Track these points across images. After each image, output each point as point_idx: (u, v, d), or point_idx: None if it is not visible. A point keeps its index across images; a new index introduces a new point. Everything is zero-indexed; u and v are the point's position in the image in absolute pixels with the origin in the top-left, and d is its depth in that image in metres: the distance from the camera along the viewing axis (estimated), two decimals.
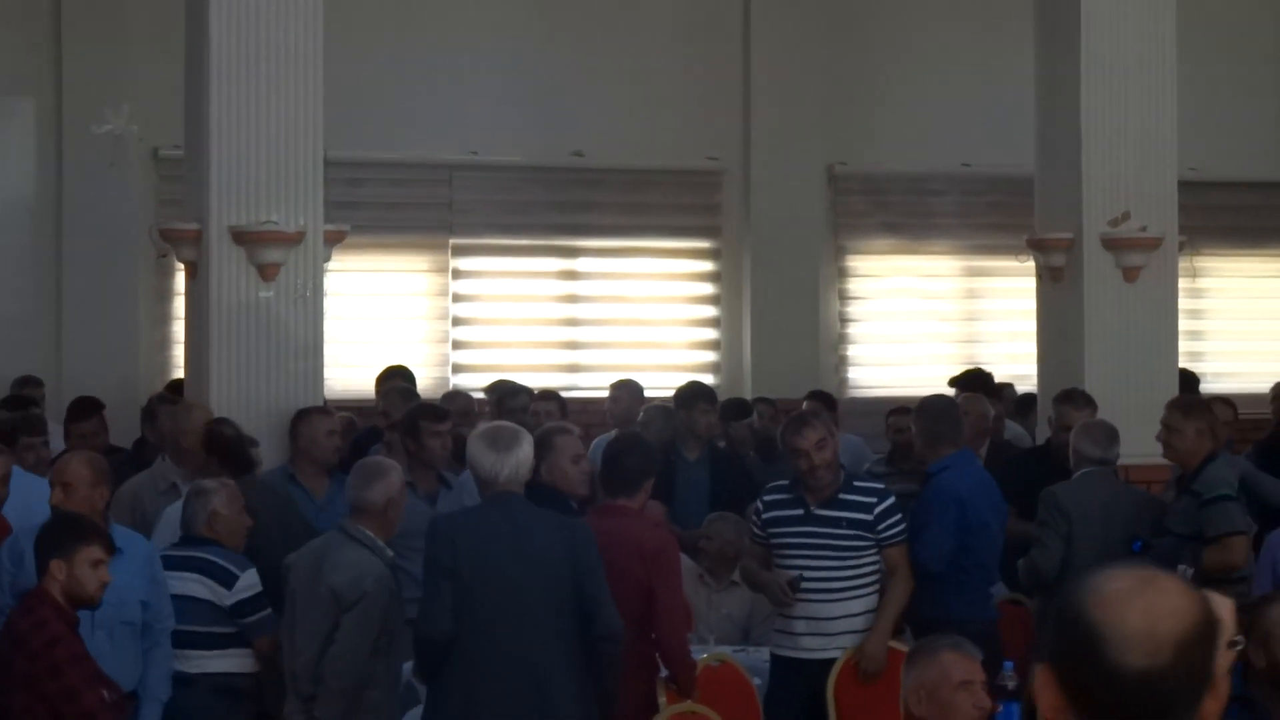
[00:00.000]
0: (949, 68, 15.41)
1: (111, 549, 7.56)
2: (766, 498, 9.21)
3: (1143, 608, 2.87)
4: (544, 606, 7.48)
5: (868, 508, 8.91)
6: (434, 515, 8.84)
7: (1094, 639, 2.86)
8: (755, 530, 9.29)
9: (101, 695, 7.25)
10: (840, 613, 8.80)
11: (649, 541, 8.14)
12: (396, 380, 12.40)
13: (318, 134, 10.26)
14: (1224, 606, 3.51)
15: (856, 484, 9.17)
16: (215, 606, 8.47)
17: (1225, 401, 12.53)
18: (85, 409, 11.71)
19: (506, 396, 12.16)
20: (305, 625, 7.97)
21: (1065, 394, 11.13)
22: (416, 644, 7.76)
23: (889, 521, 8.93)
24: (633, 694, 7.84)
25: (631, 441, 9.23)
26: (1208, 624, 2.92)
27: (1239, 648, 3.65)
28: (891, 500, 9.04)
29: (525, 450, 7.78)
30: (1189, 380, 13.09)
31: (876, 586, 8.95)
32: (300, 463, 9.91)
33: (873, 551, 8.93)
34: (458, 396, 12.65)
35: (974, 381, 13.21)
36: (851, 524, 8.85)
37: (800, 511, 8.93)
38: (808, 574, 8.84)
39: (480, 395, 12.67)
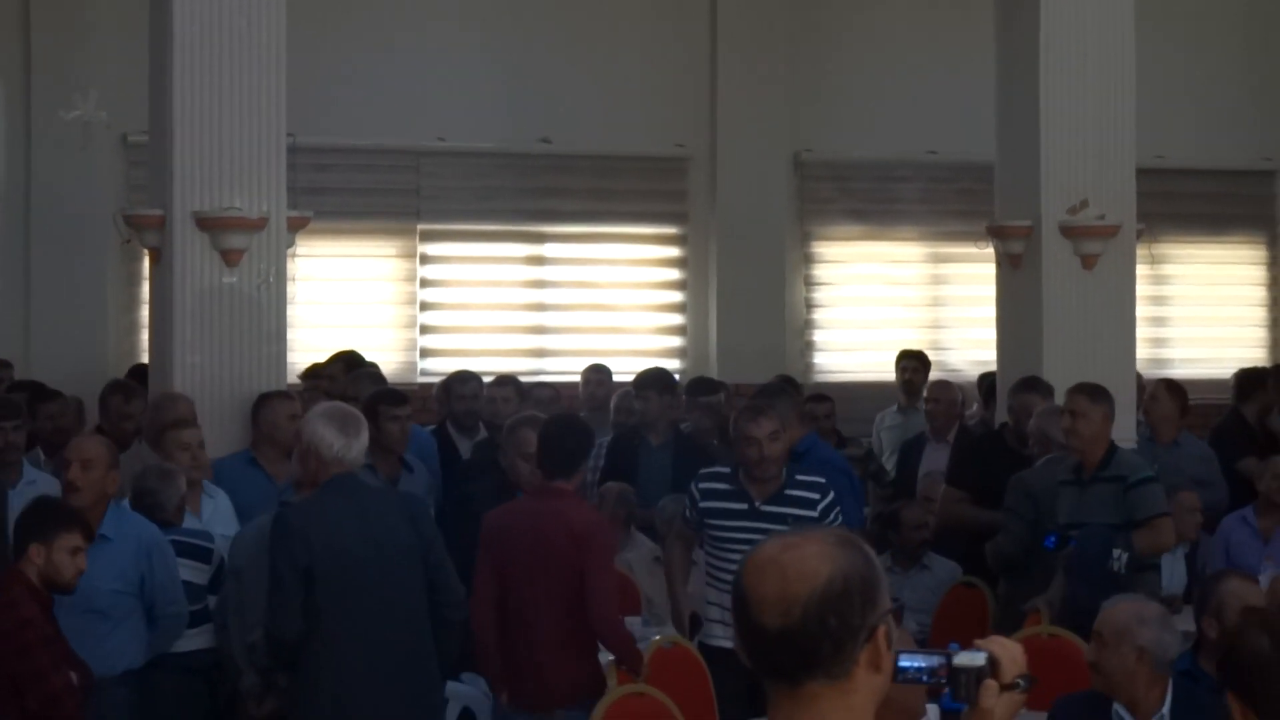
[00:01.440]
0: (914, 56, 15.44)
1: (91, 537, 7.58)
2: (703, 485, 9.16)
3: (777, 572, 3.14)
4: (398, 588, 7.51)
5: (812, 504, 8.88)
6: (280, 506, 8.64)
7: (742, 604, 3.16)
8: (687, 513, 9.26)
9: (69, 678, 7.27)
10: None
11: (579, 523, 8.11)
12: (339, 365, 12.41)
13: (281, 120, 10.27)
14: (1012, 650, 3.57)
15: (799, 478, 9.07)
16: (198, 586, 8.53)
17: (1175, 387, 12.61)
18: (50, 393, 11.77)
19: (456, 383, 12.15)
20: (255, 600, 7.84)
21: (1026, 382, 11.17)
22: (267, 641, 7.67)
23: (832, 516, 8.88)
24: (568, 672, 7.91)
25: (569, 422, 9.11)
26: (839, 584, 3.13)
27: (1020, 689, 3.61)
28: (834, 495, 8.98)
29: (366, 435, 7.81)
30: None
31: None
32: (262, 446, 9.94)
33: None
34: (540, 388, 12.93)
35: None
36: (797, 520, 8.72)
37: (744, 506, 8.92)
38: None
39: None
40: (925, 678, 3.61)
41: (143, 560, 8.23)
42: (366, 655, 7.43)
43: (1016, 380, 11.28)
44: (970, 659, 3.52)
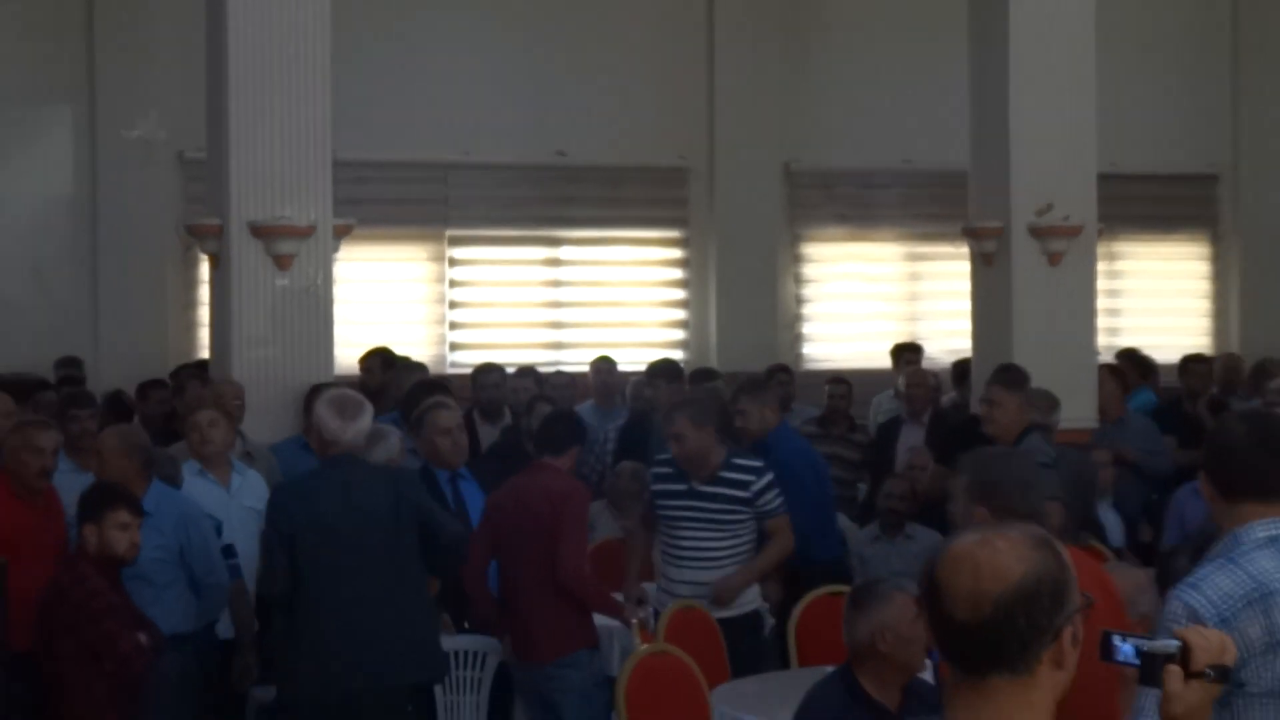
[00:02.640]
0: (892, 74, 15.41)
1: (140, 513, 7.59)
2: (655, 469, 9.18)
3: (971, 568, 2.96)
4: (377, 553, 7.52)
5: (745, 485, 8.79)
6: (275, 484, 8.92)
7: (934, 594, 2.99)
8: (644, 494, 9.36)
9: (138, 639, 7.28)
10: (719, 578, 8.76)
11: (556, 490, 8.21)
12: (376, 360, 12.58)
13: (326, 138, 10.25)
14: (1211, 640, 3.43)
15: (737, 461, 8.92)
16: None
17: (1116, 370, 12.61)
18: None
19: (480, 374, 12.17)
20: None
21: (1003, 368, 11.04)
22: (257, 602, 7.96)
23: (767, 497, 8.81)
24: (550, 625, 7.94)
25: (564, 414, 9.34)
26: (1032, 585, 2.95)
27: (1209, 678, 3.41)
28: (769, 478, 8.86)
29: (366, 420, 7.83)
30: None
31: (753, 554, 8.93)
32: (312, 433, 9.92)
33: (750, 524, 8.84)
34: (558, 376, 13.01)
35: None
36: (730, 499, 8.75)
37: (683, 487, 8.85)
38: (691, 543, 8.79)
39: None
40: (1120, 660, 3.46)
41: (181, 531, 8.22)
42: (346, 614, 7.48)
43: (995, 368, 11.23)
44: (1164, 645, 3.37)
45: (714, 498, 8.76)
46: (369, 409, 8.03)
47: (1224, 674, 3.37)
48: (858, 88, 15.50)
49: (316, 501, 7.67)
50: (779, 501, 8.81)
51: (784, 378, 12.97)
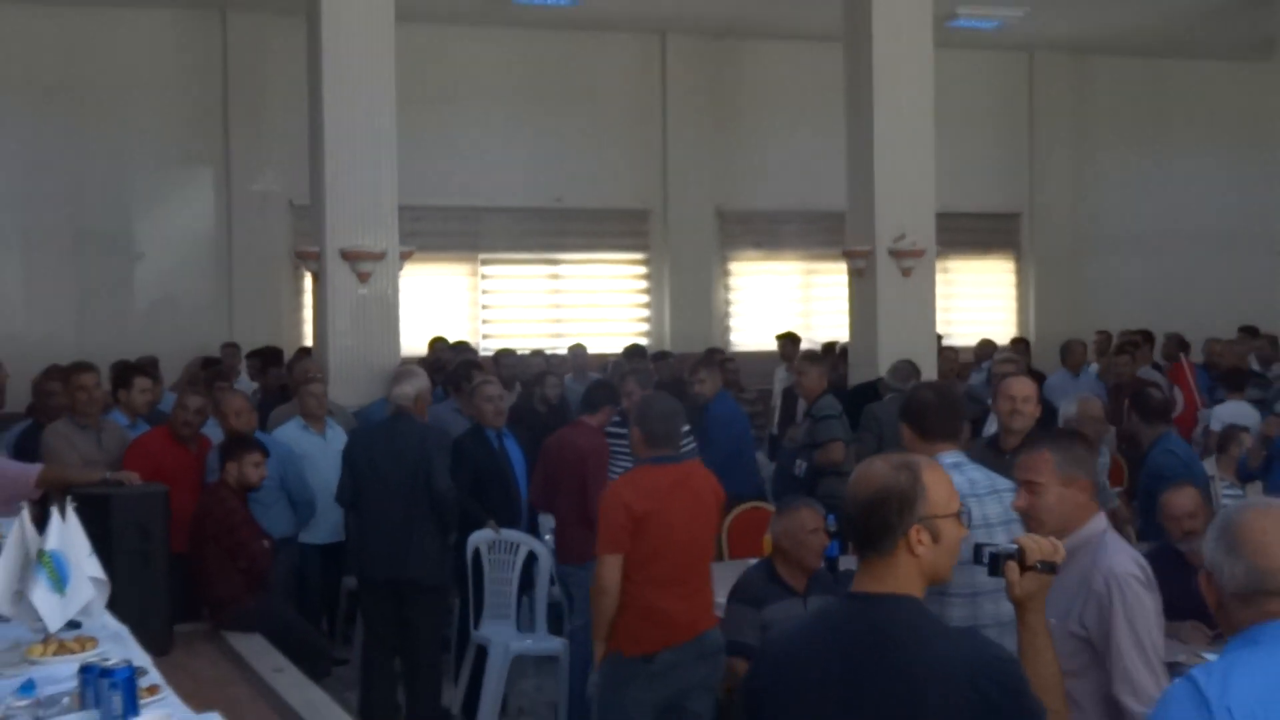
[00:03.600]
0: (793, 140, 15.41)
1: (265, 454, 7.57)
2: (609, 426, 8.78)
3: (857, 478, 3.00)
4: (401, 484, 7.53)
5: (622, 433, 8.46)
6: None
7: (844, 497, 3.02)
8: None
9: (262, 544, 7.25)
10: None
11: (584, 444, 8.01)
12: (439, 342, 12.53)
13: (394, 188, 10.20)
14: (1040, 544, 3.36)
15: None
16: None
17: (949, 350, 12.66)
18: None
19: (501, 355, 12.10)
20: None
21: (901, 362, 10.82)
22: (339, 502, 8.04)
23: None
24: (575, 542, 7.76)
25: (602, 383, 9.02)
26: (882, 494, 2.94)
27: (1039, 569, 3.34)
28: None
29: (412, 384, 7.88)
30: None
31: None
32: None
33: None
34: (556, 356, 12.83)
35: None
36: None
37: (627, 431, 8.59)
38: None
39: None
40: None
41: (281, 465, 8.23)
42: (378, 523, 7.59)
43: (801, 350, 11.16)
44: (1006, 548, 3.35)
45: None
46: (416, 376, 8.05)
47: (1050, 567, 3.33)
48: (768, 151, 15.51)
49: (370, 444, 7.75)
50: (692, 447, 8.49)
51: (731, 365, 12.73)
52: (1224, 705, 2.49)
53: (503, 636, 8.00)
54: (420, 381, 8.09)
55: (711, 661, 5.63)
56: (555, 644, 8.09)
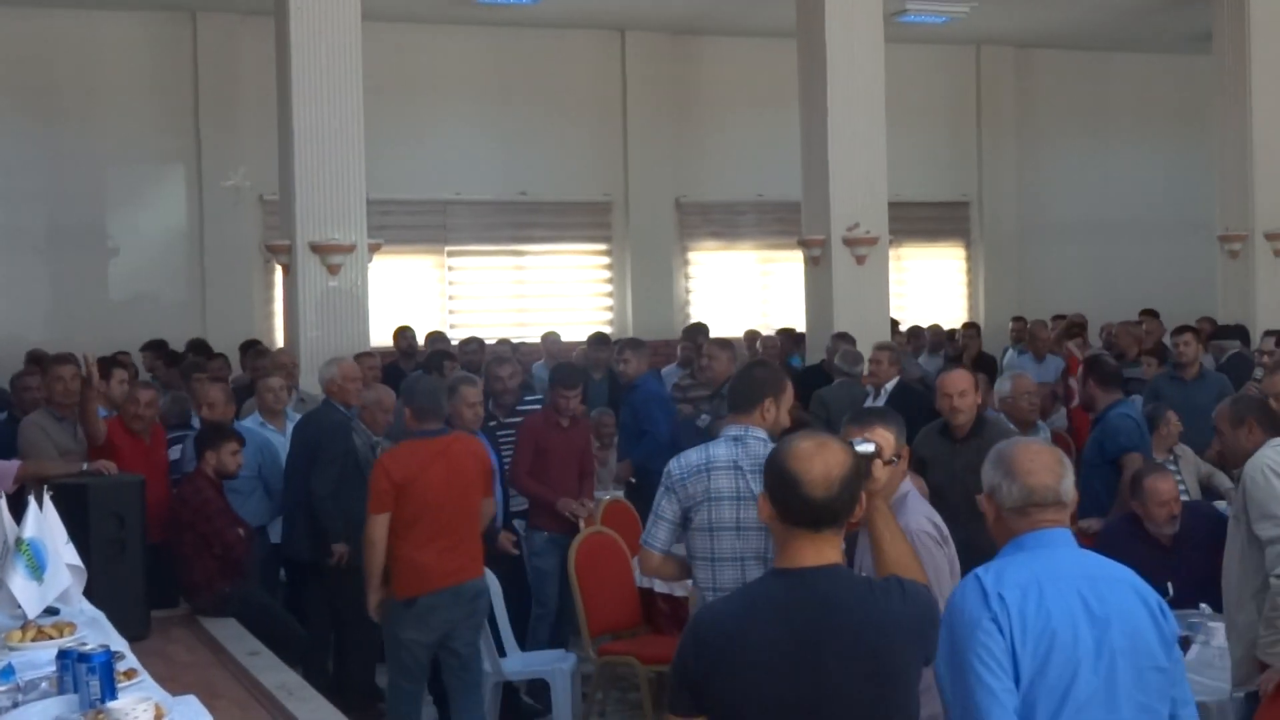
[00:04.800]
0: (749, 134, 15.43)
1: (242, 444, 7.51)
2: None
3: (821, 461, 2.96)
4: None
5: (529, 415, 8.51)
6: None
7: (794, 482, 2.94)
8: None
9: (238, 532, 7.20)
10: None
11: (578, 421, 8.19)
12: (406, 334, 12.45)
13: (361, 183, 10.16)
14: (887, 438, 3.95)
15: (526, 399, 8.78)
16: None
17: (909, 331, 12.67)
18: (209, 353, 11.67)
19: (464, 344, 11.89)
20: None
21: (837, 335, 10.98)
22: None
23: None
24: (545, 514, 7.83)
25: (571, 366, 8.99)
26: (857, 468, 3.03)
27: (894, 463, 3.96)
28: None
29: (330, 368, 8.02)
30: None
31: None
32: None
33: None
34: (521, 346, 12.84)
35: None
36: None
37: (494, 421, 8.48)
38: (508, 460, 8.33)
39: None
40: None
41: (258, 455, 8.14)
42: (302, 503, 7.65)
43: (833, 334, 11.15)
44: (866, 448, 3.63)
45: (513, 428, 8.50)
46: (337, 360, 8.19)
47: (896, 459, 3.96)
48: (726, 144, 15.52)
49: (304, 432, 7.84)
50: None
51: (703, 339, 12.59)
52: (996, 592, 3.08)
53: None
54: (336, 366, 8.14)
55: (469, 606, 6.38)
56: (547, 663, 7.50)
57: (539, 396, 8.96)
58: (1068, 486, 3.22)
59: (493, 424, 8.52)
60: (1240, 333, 12.20)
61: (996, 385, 8.16)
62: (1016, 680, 3.01)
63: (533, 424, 8.18)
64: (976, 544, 6.25)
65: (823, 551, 2.93)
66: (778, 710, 2.84)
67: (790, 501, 2.94)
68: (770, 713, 2.84)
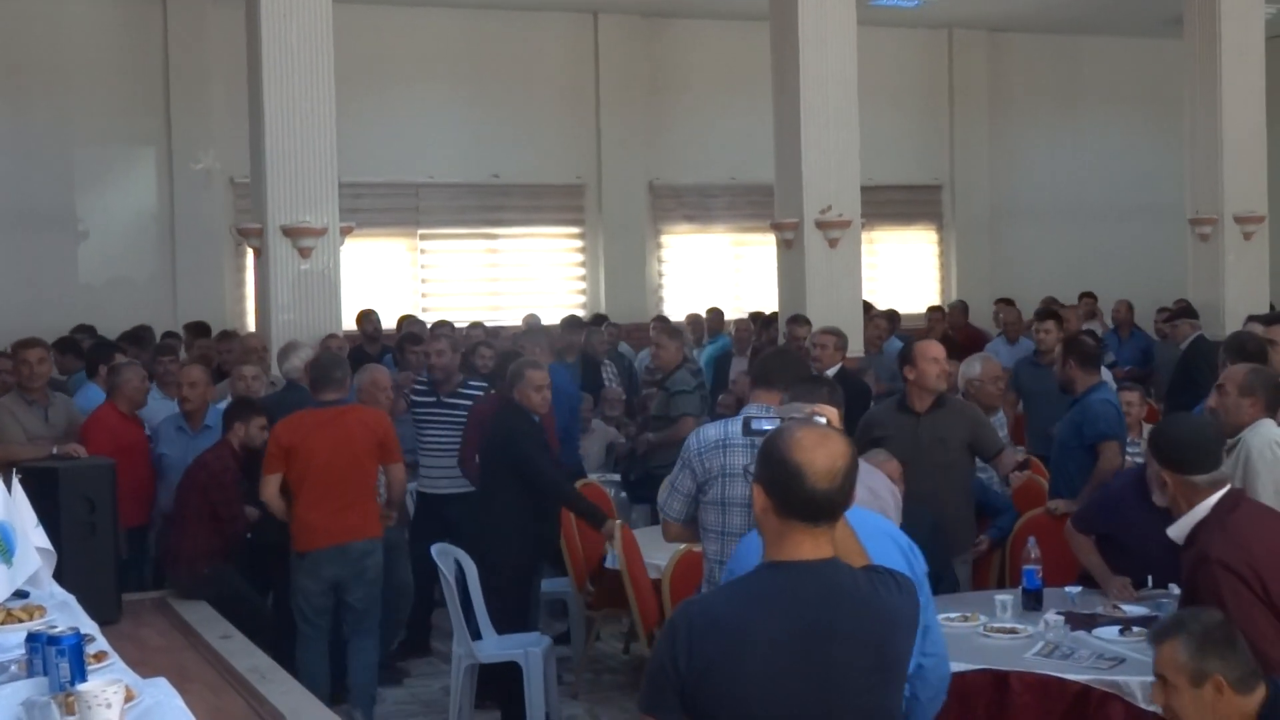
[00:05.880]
0: (722, 117, 15.43)
1: (272, 420, 7.46)
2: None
3: (825, 453, 2.85)
4: None
5: (473, 398, 8.49)
6: None
7: (797, 474, 2.83)
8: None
9: (246, 510, 7.22)
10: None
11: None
12: (371, 317, 12.40)
13: (333, 166, 10.08)
14: (830, 413, 3.80)
15: (470, 383, 8.70)
16: None
17: (889, 314, 12.67)
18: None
19: (435, 327, 11.66)
20: None
21: (794, 316, 11.17)
22: None
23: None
24: None
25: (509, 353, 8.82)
26: (856, 459, 2.93)
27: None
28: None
29: (301, 355, 8.15)
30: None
31: None
32: None
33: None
34: (494, 329, 12.45)
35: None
36: (463, 409, 8.41)
37: (434, 399, 8.62)
38: (441, 439, 8.42)
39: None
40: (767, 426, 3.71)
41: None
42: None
43: (789, 315, 11.28)
44: (817, 420, 3.55)
45: (453, 406, 8.53)
46: (302, 348, 8.31)
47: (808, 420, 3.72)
48: (699, 127, 15.52)
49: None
50: None
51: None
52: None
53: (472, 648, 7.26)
54: (306, 353, 8.16)
55: (357, 564, 6.99)
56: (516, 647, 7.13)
57: (483, 383, 8.80)
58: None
59: (431, 400, 8.58)
60: (1190, 312, 12.27)
61: (964, 367, 8.09)
62: None
63: (483, 410, 8.00)
64: (940, 514, 6.40)
65: (820, 545, 2.85)
66: (782, 704, 2.76)
67: (792, 494, 2.83)
68: (774, 706, 2.76)
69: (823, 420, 3.56)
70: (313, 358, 7.47)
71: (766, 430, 3.59)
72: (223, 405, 8.38)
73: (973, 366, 7.95)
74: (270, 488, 6.95)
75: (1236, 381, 5.35)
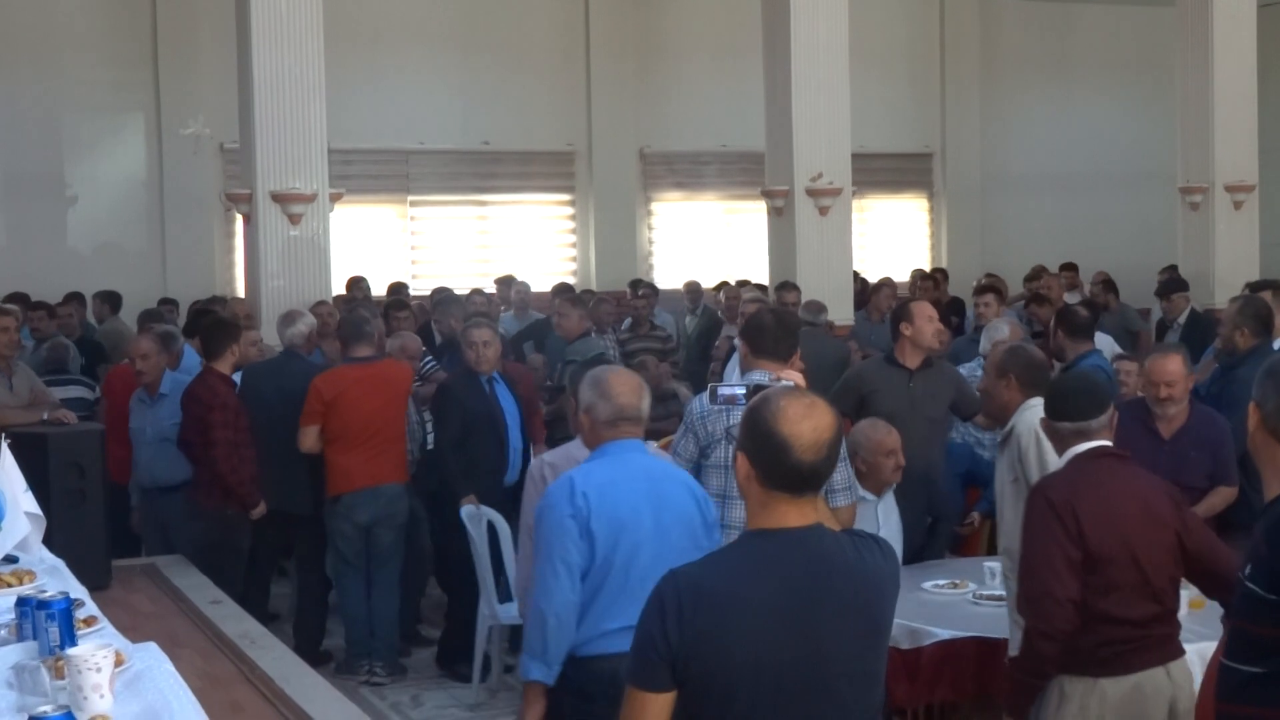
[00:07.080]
0: (712, 83, 15.38)
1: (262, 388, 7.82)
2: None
3: (811, 425, 2.83)
4: (289, 420, 7.62)
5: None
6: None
7: (784, 446, 2.81)
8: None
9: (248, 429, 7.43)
10: None
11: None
12: (361, 284, 12.42)
13: (323, 132, 10.04)
14: (797, 378, 4.21)
15: (428, 358, 8.77)
16: None
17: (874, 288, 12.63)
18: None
19: (435, 293, 11.65)
20: None
21: (783, 283, 11.17)
22: None
23: None
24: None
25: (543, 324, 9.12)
26: (841, 429, 2.92)
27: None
28: None
29: (304, 323, 8.23)
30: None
31: None
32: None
33: None
34: (482, 293, 12.14)
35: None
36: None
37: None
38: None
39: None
40: (742, 399, 4.20)
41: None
42: (269, 452, 7.62)
43: (779, 283, 11.29)
44: (785, 384, 3.77)
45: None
46: (304, 316, 8.33)
47: (760, 389, 3.73)
48: (689, 94, 15.47)
49: (259, 382, 7.88)
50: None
51: (646, 291, 12.42)
52: (582, 490, 3.93)
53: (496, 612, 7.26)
54: (308, 320, 8.20)
55: (388, 506, 7.51)
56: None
57: (431, 361, 8.73)
58: (645, 406, 4.16)
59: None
60: (1181, 284, 12.25)
61: (990, 330, 8.15)
62: (594, 556, 3.90)
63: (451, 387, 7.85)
64: (928, 468, 6.50)
65: (805, 512, 2.84)
66: (774, 671, 2.77)
67: (777, 465, 2.81)
68: (766, 674, 2.76)
69: (790, 385, 3.59)
70: (343, 320, 8.03)
71: (732, 395, 3.82)
72: (179, 374, 8.20)
73: (999, 329, 7.97)
74: (309, 439, 7.46)
75: (994, 362, 5.31)
